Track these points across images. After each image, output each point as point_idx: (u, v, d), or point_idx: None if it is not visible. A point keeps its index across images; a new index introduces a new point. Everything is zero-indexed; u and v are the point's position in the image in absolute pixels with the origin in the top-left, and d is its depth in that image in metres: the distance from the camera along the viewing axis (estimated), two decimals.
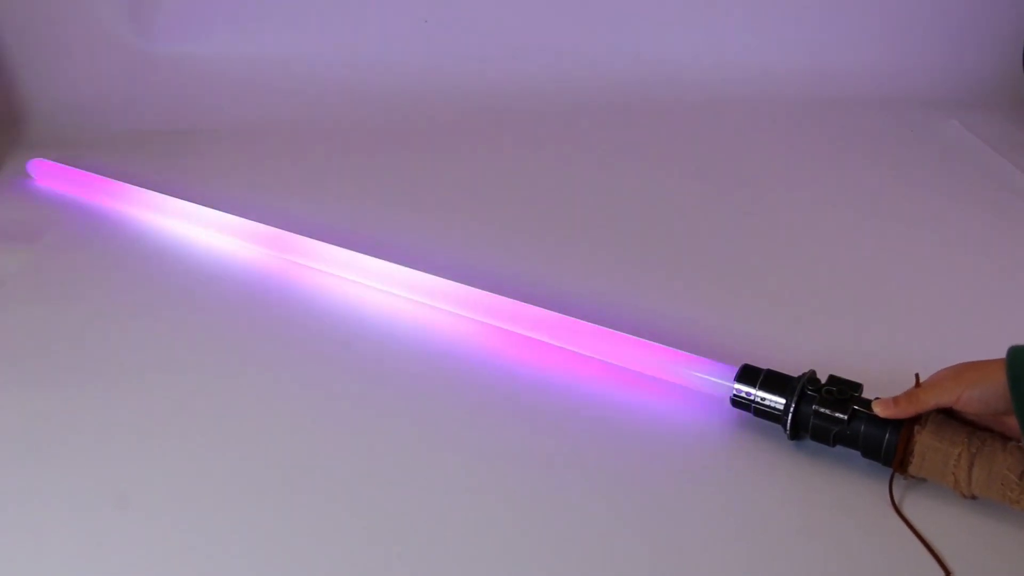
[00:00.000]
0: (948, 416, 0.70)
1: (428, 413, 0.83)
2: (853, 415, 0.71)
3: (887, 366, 0.81)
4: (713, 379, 0.80)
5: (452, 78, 1.57)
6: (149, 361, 0.90)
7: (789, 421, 0.74)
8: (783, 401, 0.75)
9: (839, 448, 0.74)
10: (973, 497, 0.68)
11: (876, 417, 0.70)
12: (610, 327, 0.87)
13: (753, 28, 1.64)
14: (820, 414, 0.72)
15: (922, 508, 0.70)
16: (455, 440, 0.79)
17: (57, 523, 0.71)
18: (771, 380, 0.76)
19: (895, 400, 0.70)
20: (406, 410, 0.83)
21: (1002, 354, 0.66)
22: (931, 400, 0.68)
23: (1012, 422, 0.66)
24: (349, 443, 0.79)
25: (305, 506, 0.72)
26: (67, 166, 1.27)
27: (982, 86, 1.63)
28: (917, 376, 0.72)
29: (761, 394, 0.76)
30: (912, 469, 0.69)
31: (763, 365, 0.78)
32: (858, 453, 0.72)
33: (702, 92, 1.60)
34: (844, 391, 0.73)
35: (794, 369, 0.78)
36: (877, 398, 0.71)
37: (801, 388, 0.74)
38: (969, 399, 0.66)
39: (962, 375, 0.67)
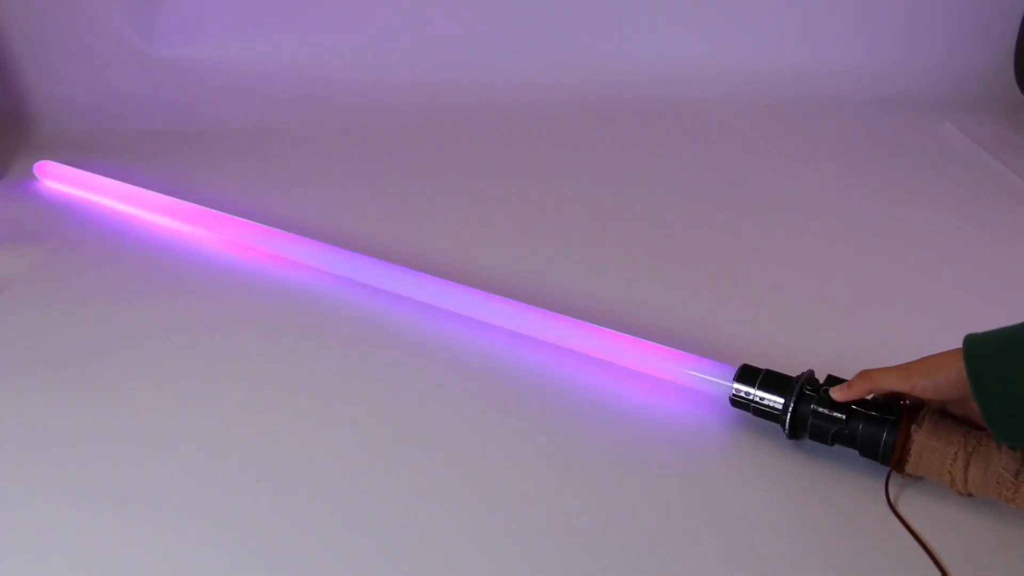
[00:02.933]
0: (944, 415, 0.71)
1: (427, 413, 0.83)
2: (851, 415, 0.72)
3: (884, 366, 0.83)
4: (712, 379, 0.81)
5: (453, 81, 1.58)
6: (152, 361, 0.91)
7: (788, 421, 0.75)
8: (782, 401, 0.76)
9: (837, 447, 0.75)
10: (970, 495, 0.69)
11: (874, 417, 0.71)
12: (610, 327, 0.88)
13: (747, 30, 1.65)
14: (818, 414, 0.73)
15: (919, 506, 0.71)
16: (454, 439, 0.80)
17: (58, 523, 0.71)
18: (770, 380, 0.77)
19: (849, 383, 0.72)
20: (405, 410, 0.84)
21: None
22: (884, 382, 0.69)
23: (961, 411, 0.68)
24: (349, 442, 0.80)
25: (306, 505, 0.73)
26: (73, 167, 1.28)
27: (975, 88, 1.64)
28: None
29: (760, 394, 0.77)
30: (909, 468, 0.70)
31: (762, 365, 0.79)
32: (856, 452, 0.73)
33: (698, 93, 1.61)
34: None
35: (793, 369, 0.79)
36: (833, 385, 0.73)
37: (800, 388, 0.75)
38: (922, 388, 0.68)
39: (916, 363, 0.69)
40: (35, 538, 0.70)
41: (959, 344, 0.66)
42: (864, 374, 0.71)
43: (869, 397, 0.72)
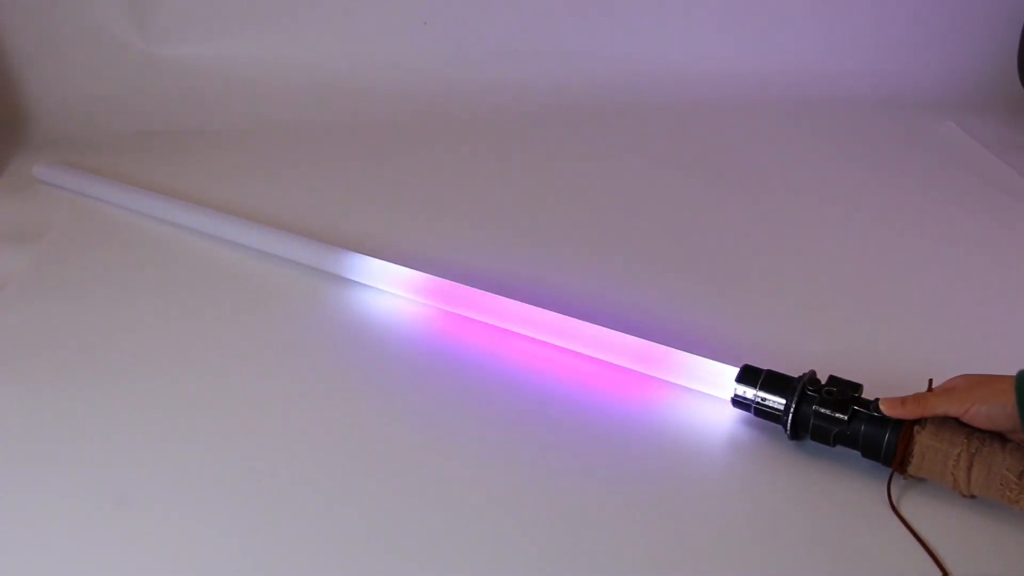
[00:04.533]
0: (947, 416, 0.70)
1: (428, 413, 0.83)
2: (853, 415, 0.72)
3: (886, 366, 0.82)
4: (714, 379, 0.81)
5: (452, 80, 1.58)
6: (151, 361, 0.91)
7: (789, 421, 0.74)
8: (783, 401, 0.75)
9: (839, 448, 0.75)
10: (972, 496, 0.68)
11: (876, 418, 0.71)
12: (611, 327, 0.88)
13: (749, 29, 1.65)
14: (820, 414, 0.73)
15: (921, 508, 0.71)
16: (454, 440, 0.80)
17: (58, 522, 0.71)
18: (772, 380, 0.77)
19: (903, 400, 0.70)
20: (407, 412, 0.84)
21: (998, 355, 0.67)
22: (939, 407, 0.69)
23: (1020, 439, 0.67)
24: (351, 443, 0.79)
25: (307, 505, 0.72)
26: (70, 167, 1.28)
27: (978, 88, 1.64)
28: (930, 381, 0.73)
29: (762, 394, 0.77)
30: (911, 469, 0.70)
31: (764, 365, 0.79)
32: (858, 453, 0.73)
33: (701, 93, 1.61)
34: (844, 391, 0.74)
35: (794, 369, 0.78)
36: (878, 398, 0.72)
37: (801, 389, 0.75)
38: (976, 414, 0.67)
39: (973, 390, 0.68)
40: (34, 537, 0.70)
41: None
42: (919, 397, 0.70)
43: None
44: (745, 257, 1.11)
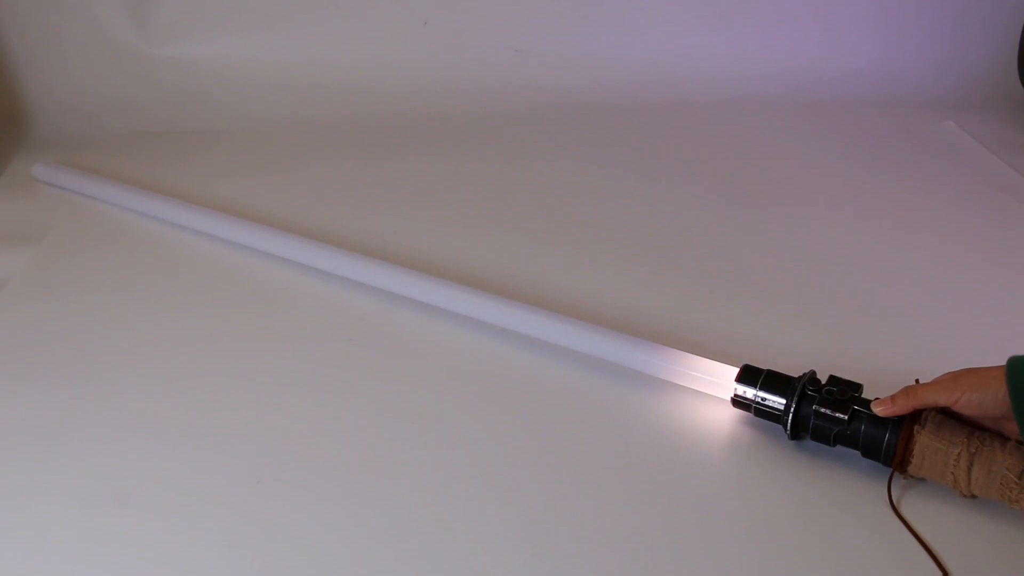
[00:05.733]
0: (948, 416, 0.70)
1: (428, 412, 0.83)
2: (853, 415, 0.72)
3: (886, 366, 0.82)
4: (714, 379, 0.81)
5: (452, 80, 1.58)
6: (150, 360, 0.91)
7: (789, 421, 0.74)
8: (783, 401, 0.75)
9: (839, 448, 0.75)
10: (973, 496, 0.68)
11: (876, 417, 0.71)
12: (611, 327, 0.88)
13: (748, 29, 1.65)
14: (820, 414, 0.73)
15: (921, 508, 0.71)
16: (454, 439, 0.80)
17: (58, 522, 0.71)
18: (771, 380, 0.77)
19: (892, 398, 0.71)
20: (408, 410, 0.84)
21: (998, 355, 0.67)
22: (929, 398, 0.69)
23: (1011, 427, 0.67)
24: (351, 441, 0.80)
25: (306, 505, 0.73)
26: (69, 167, 1.28)
27: (978, 87, 1.64)
28: (917, 381, 0.73)
29: (762, 394, 0.77)
30: (912, 469, 0.70)
31: (764, 365, 0.79)
32: (858, 453, 0.73)
33: (701, 93, 1.61)
34: (844, 391, 0.74)
35: (794, 369, 0.78)
36: (876, 398, 0.72)
37: (801, 388, 0.75)
38: (967, 402, 0.67)
39: (962, 378, 0.68)
40: (34, 537, 0.70)
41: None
42: (909, 390, 0.70)
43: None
44: (745, 257, 1.11)
